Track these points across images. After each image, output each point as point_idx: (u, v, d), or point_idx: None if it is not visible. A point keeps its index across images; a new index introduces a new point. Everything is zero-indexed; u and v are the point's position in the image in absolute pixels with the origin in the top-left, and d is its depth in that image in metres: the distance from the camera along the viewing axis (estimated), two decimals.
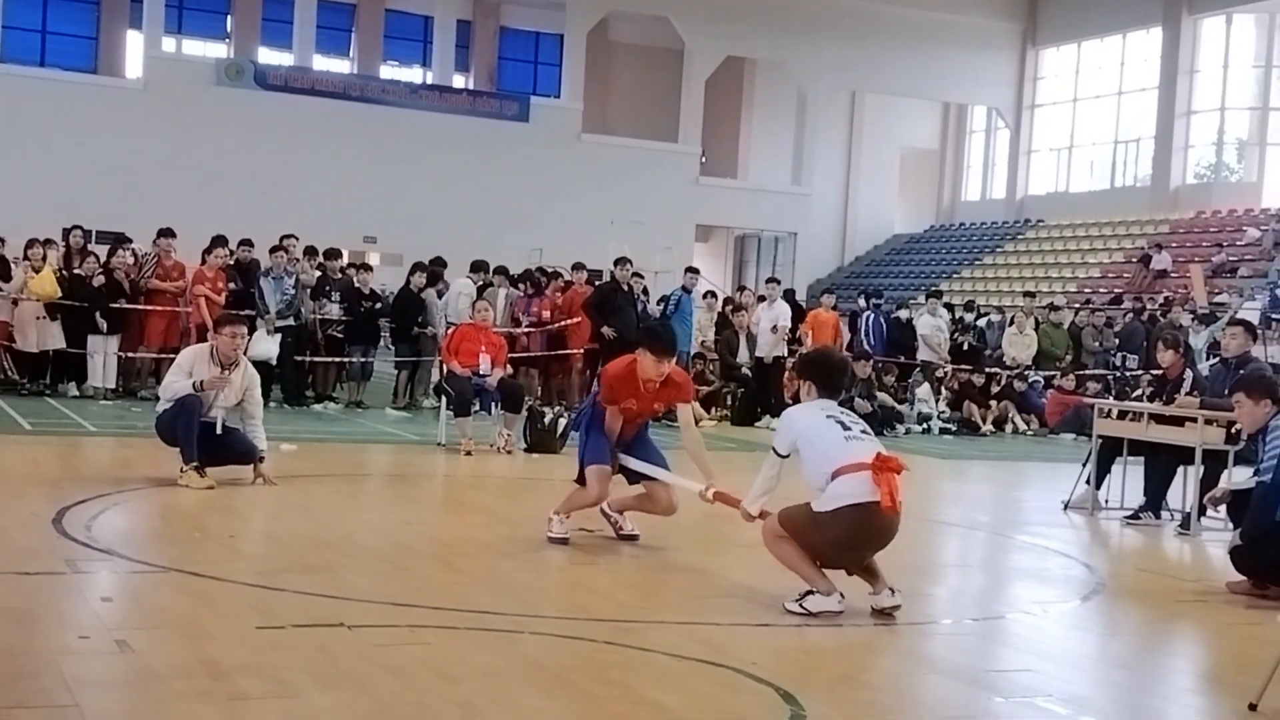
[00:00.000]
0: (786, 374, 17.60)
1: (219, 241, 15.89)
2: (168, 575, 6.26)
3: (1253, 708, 4.91)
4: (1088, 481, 10.29)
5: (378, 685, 4.61)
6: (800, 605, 6.03)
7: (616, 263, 17.34)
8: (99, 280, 15.20)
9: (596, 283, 18.36)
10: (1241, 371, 9.59)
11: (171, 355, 15.42)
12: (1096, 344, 20.27)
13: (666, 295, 18.33)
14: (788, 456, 6.31)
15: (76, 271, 15.34)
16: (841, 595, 6.00)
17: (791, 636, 5.84)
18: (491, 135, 32.63)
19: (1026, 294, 23.45)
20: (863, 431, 6.23)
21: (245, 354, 15.20)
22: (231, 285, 15.53)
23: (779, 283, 20.06)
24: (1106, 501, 10.34)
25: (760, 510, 6.47)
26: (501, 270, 18.08)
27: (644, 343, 7.54)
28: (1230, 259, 29.60)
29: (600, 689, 4.76)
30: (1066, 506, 10.34)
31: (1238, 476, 8.64)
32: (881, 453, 6.06)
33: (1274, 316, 23.49)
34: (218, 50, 35.52)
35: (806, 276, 35.32)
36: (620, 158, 33.95)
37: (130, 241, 16.51)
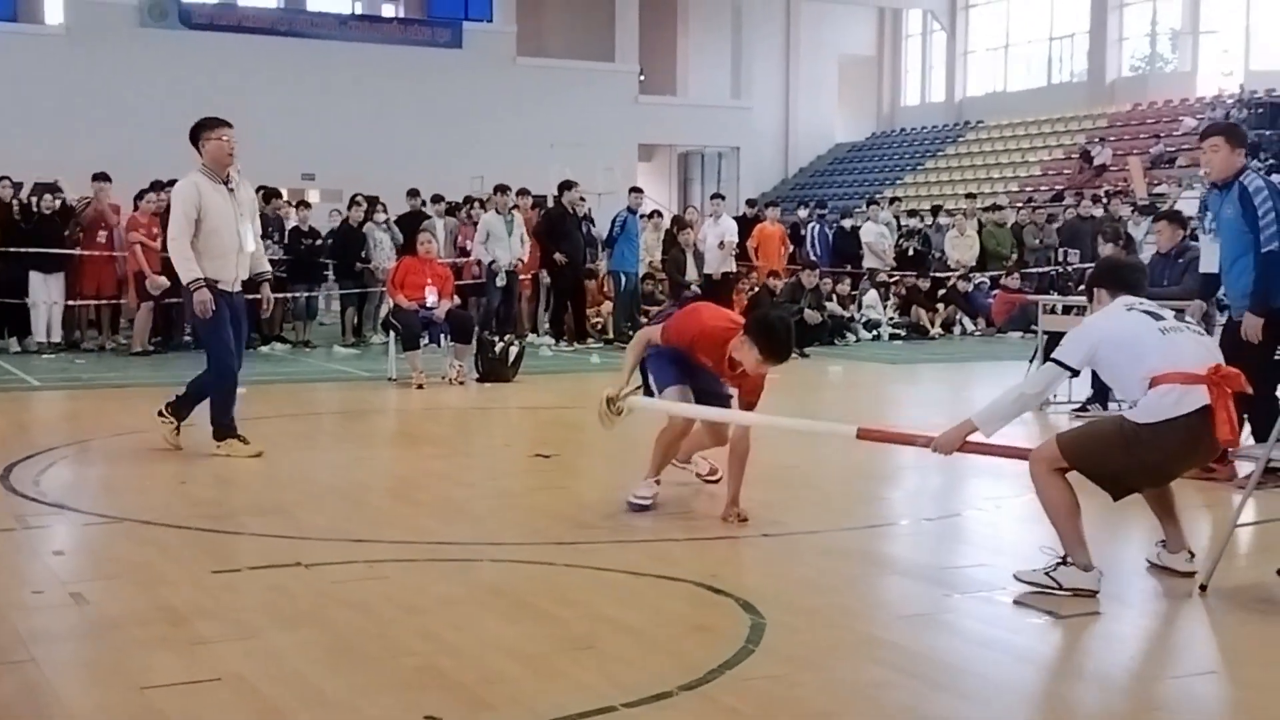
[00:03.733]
0: (736, 290, 17.63)
1: (154, 187, 15.66)
2: (120, 525, 6.21)
3: (1203, 589, 4.99)
4: None
5: (337, 621, 4.60)
6: (1049, 576, 4.93)
7: (562, 186, 17.23)
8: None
9: (544, 208, 18.25)
10: (1180, 260, 9.64)
11: (109, 302, 15.35)
12: (1038, 241, 20.38)
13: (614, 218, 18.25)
14: (1078, 373, 5.31)
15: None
16: (1101, 574, 4.95)
17: (749, 547, 5.87)
18: (425, 63, 32.18)
19: (968, 196, 23.51)
20: (1178, 320, 5.18)
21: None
22: None
23: (724, 199, 20.01)
24: (1055, 395, 10.43)
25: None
26: (438, 199, 17.99)
27: (755, 335, 5.95)
28: (1168, 149, 29.75)
29: (561, 610, 4.77)
30: None
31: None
32: (1220, 365, 4.97)
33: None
34: None
35: (751, 190, 35.18)
36: (557, 80, 33.58)
37: (60, 190, 16.23)
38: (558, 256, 16.47)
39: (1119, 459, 4.94)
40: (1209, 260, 8.15)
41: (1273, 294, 7.06)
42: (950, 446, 5.26)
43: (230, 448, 7.99)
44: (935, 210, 22.97)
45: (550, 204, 18.44)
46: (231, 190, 7.96)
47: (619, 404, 6.41)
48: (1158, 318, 5.09)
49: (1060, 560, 4.96)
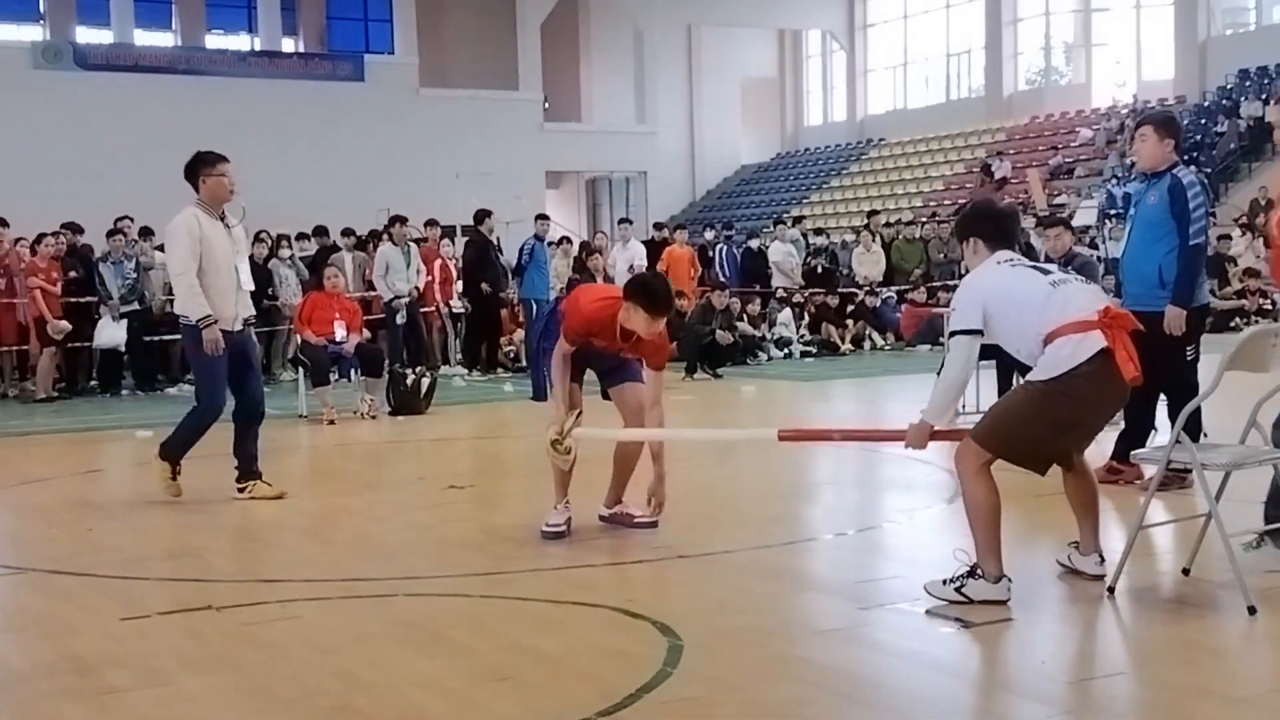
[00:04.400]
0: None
1: (66, 227, 15.46)
2: (25, 575, 6.08)
3: (1111, 591, 5.07)
4: None
5: (250, 664, 4.53)
6: (958, 591, 4.96)
7: (480, 215, 17.16)
8: None
9: (468, 240, 18.16)
10: (1069, 267, 9.79)
11: (11, 349, 15.03)
12: (943, 255, 20.66)
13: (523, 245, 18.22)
14: (982, 332, 5.10)
15: None
16: (1010, 582, 4.99)
17: (666, 570, 5.88)
18: (328, 97, 32.01)
19: (870, 213, 23.80)
20: (1065, 272, 5.20)
21: (93, 344, 14.92)
22: (71, 274, 15.06)
23: (631, 223, 20.08)
24: (964, 406, 10.56)
25: (945, 426, 5.25)
26: (349, 232, 17.88)
27: (635, 298, 6.05)
28: (1066, 160, 30.37)
29: (478, 642, 4.74)
30: None
31: None
32: (1109, 306, 5.03)
33: (1111, 213, 24.11)
34: (33, 33, 34.11)
35: (660, 214, 35.29)
36: (461, 110, 33.53)
37: None
38: (484, 287, 16.51)
39: (1036, 425, 4.95)
40: None
41: (1195, 288, 7.09)
42: (921, 442, 5.23)
43: (254, 489, 7.83)
44: (852, 233, 23.21)
45: (461, 234, 18.39)
46: (228, 227, 7.75)
47: (565, 443, 6.33)
48: (1045, 272, 5.14)
49: (970, 570, 4.99)
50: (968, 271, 5.41)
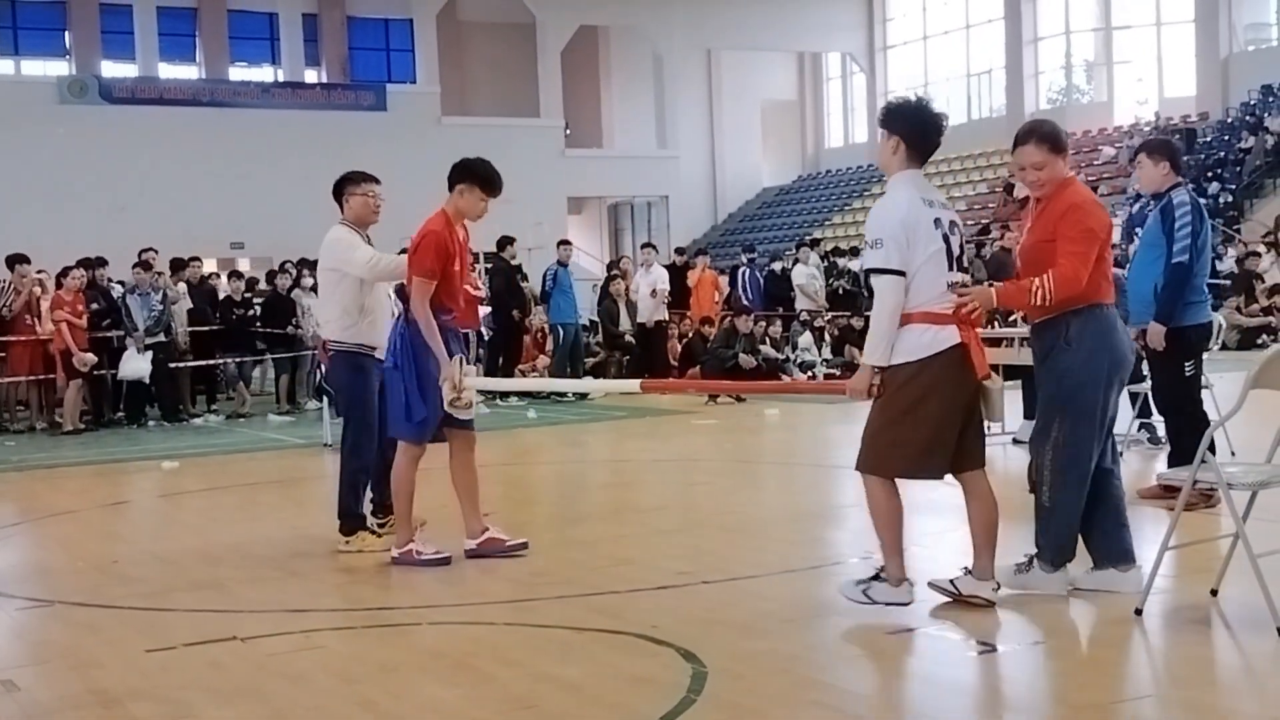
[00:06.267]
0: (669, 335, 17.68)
1: (83, 264, 15.59)
2: (52, 609, 6.10)
3: (1139, 612, 5.03)
4: None
5: (274, 694, 4.53)
6: (864, 594, 5.21)
7: (503, 242, 17.22)
8: None
9: (492, 266, 18.21)
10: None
11: (38, 378, 15.11)
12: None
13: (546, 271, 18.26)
14: (904, 274, 5.01)
15: None
16: (912, 584, 5.21)
17: (691, 596, 5.85)
18: (350, 127, 32.16)
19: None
20: (960, 271, 5.24)
21: (118, 375, 15.01)
22: (94, 306, 15.18)
23: (655, 248, 20.13)
24: (989, 426, 10.50)
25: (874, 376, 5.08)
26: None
27: (465, 178, 6.62)
28: (1089, 179, 30.24)
29: (500, 670, 4.73)
30: None
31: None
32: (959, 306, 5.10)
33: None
34: (59, 68, 34.46)
35: (681, 238, 35.40)
36: (483, 138, 33.38)
37: None
38: (516, 313, 16.63)
39: (896, 426, 5.06)
40: None
41: (1178, 306, 7.17)
42: (863, 386, 5.12)
43: (361, 541, 7.12)
44: (854, 251, 23.17)
45: (484, 260, 18.42)
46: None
47: (464, 396, 6.38)
48: (949, 257, 5.09)
49: (876, 574, 5.23)
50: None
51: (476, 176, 6.63)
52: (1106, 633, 4.99)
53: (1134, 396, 9.12)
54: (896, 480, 5.23)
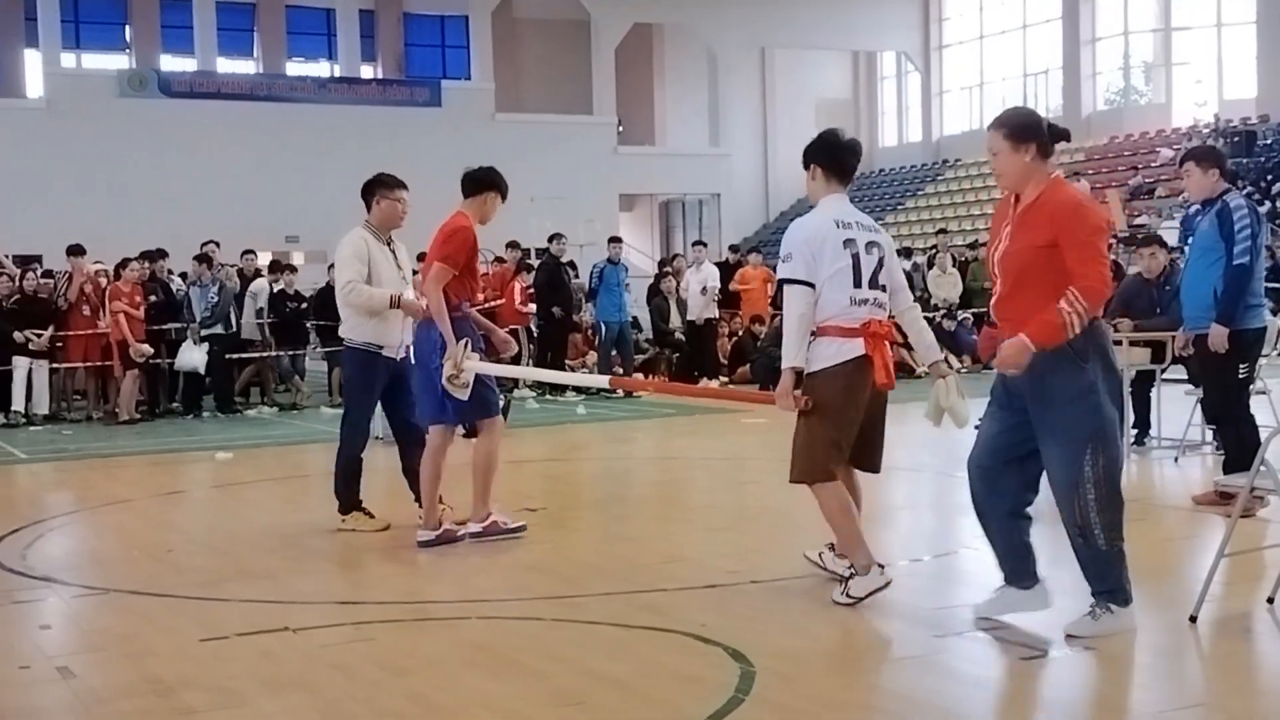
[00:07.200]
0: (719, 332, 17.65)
1: (145, 256, 15.77)
2: (107, 597, 6.17)
3: (1193, 620, 4.98)
4: None
5: (325, 685, 4.57)
6: (848, 596, 5.41)
7: (552, 238, 17.28)
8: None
9: (530, 261, 18.29)
10: (1167, 287, 9.63)
11: (97, 365, 15.30)
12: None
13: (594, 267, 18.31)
14: (814, 285, 5.34)
15: None
16: (881, 566, 5.45)
17: (739, 595, 5.85)
18: (405, 123, 32.34)
19: (940, 232, 23.60)
20: (873, 288, 5.45)
21: (175, 365, 15.19)
22: (152, 298, 15.33)
23: (706, 245, 20.10)
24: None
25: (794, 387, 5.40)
26: (422, 256, 18.06)
27: (490, 188, 7.10)
28: (1146, 181, 29.96)
29: (548, 665, 4.75)
30: None
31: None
32: (871, 321, 5.42)
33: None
34: (119, 62, 34.91)
35: (733, 236, 35.33)
36: (536, 134, 33.76)
37: (39, 264, 16.32)
38: (556, 310, 16.57)
39: (817, 430, 5.42)
40: None
41: (1239, 308, 7.20)
42: (786, 391, 5.42)
43: (356, 521, 7.51)
44: (906, 252, 23.07)
45: (535, 256, 18.49)
46: (394, 252, 7.59)
47: (462, 377, 6.69)
48: (857, 276, 5.36)
49: (849, 574, 5.41)
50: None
51: (499, 187, 7.11)
52: (1159, 640, 4.94)
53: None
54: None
